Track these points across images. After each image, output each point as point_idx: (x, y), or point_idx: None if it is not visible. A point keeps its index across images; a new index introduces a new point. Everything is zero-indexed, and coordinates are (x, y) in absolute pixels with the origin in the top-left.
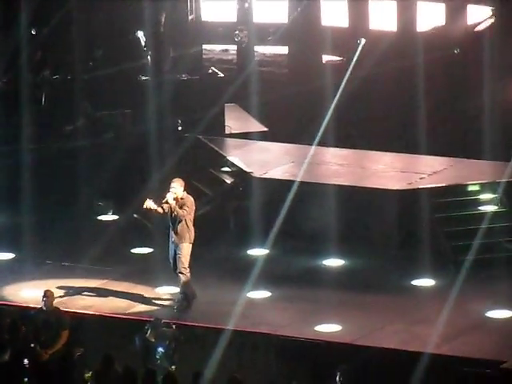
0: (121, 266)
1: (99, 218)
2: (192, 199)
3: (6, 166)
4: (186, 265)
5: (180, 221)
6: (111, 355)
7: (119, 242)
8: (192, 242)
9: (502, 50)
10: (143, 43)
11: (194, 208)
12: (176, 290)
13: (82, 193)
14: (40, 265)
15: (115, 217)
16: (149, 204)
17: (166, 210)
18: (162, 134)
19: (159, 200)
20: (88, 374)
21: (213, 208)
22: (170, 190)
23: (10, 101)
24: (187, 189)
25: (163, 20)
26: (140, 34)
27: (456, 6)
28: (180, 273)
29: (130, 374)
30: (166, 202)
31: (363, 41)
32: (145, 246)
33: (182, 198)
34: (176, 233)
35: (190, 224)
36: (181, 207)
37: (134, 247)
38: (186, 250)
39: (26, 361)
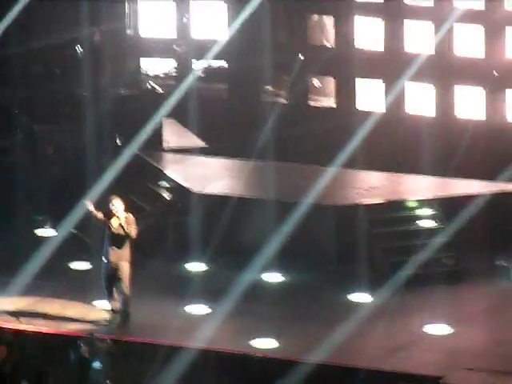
0: (58, 281)
1: (37, 232)
2: (132, 217)
3: None
4: (127, 283)
5: (125, 240)
6: (46, 371)
7: (57, 257)
8: (129, 260)
9: None
10: (81, 58)
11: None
12: (113, 304)
13: (19, 207)
14: None
15: (53, 231)
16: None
17: (104, 222)
18: (101, 149)
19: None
20: None
21: (151, 223)
22: (116, 209)
23: None
24: (126, 204)
25: (100, 35)
26: (78, 48)
27: None
28: (121, 293)
29: None
30: (118, 225)
31: (301, 57)
32: (83, 261)
33: (125, 217)
34: (117, 252)
35: (129, 243)
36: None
37: (72, 262)
38: (125, 268)
39: None
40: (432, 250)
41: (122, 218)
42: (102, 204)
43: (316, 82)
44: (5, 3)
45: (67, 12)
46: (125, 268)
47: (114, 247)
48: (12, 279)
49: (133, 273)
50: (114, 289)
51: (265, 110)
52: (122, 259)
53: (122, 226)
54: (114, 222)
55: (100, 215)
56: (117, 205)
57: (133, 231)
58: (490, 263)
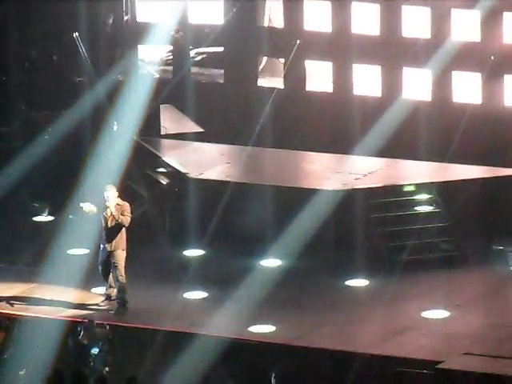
0: (56, 268)
1: (34, 219)
2: (128, 204)
3: None
4: (123, 271)
5: (119, 229)
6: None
7: (55, 244)
8: (125, 248)
9: None
10: (79, 44)
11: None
12: (111, 290)
13: (17, 194)
14: None
15: (50, 218)
16: (87, 208)
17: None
18: (98, 135)
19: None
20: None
21: (148, 209)
22: (106, 198)
23: None
24: (123, 190)
25: (99, 21)
26: (76, 34)
27: None
28: (116, 280)
29: (58, 376)
30: (110, 214)
31: (298, 42)
32: (80, 247)
33: (118, 204)
34: (111, 240)
35: (124, 232)
36: (120, 214)
37: (70, 248)
38: (120, 256)
39: None
40: (429, 235)
41: (112, 206)
42: (98, 192)
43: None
44: None
45: None
46: (120, 256)
47: (108, 235)
48: (10, 266)
49: (130, 259)
50: (110, 276)
51: (261, 96)
52: (117, 247)
53: (113, 215)
54: (106, 212)
55: (94, 210)
56: (108, 194)
57: (124, 219)
58: (488, 248)
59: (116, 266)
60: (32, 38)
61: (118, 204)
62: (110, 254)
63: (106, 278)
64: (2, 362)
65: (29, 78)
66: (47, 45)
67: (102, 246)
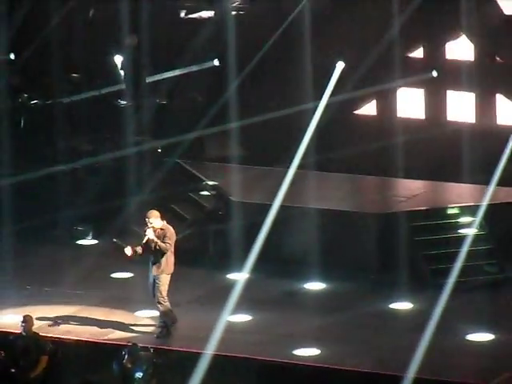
0: (100, 291)
1: (78, 242)
2: (171, 229)
3: None
4: (164, 294)
5: (162, 254)
6: (89, 379)
7: (98, 267)
8: (171, 272)
9: None
10: (120, 67)
11: (175, 237)
12: (155, 313)
13: (61, 217)
14: (19, 290)
15: (94, 241)
16: (128, 252)
17: (145, 243)
18: (142, 158)
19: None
20: None
21: (192, 232)
22: (148, 224)
23: None
24: (166, 213)
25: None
26: (117, 58)
27: None
28: (158, 303)
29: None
30: (147, 240)
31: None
32: (124, 271)
33: (161, 229)
34: (156, 264)
35: (171, 255)
36: (162, 239)
37: (114, 272)
38: (164, 280)
39: None
40: (474, 258)
41: (150, 233)
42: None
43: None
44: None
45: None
46: (164, 279)
47: (153, 260)
48: (54, 289)
49: (177, 281)
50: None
51: (304, 118)
52: (162, 271)
53: (153, 241)
54: (145, 236)
55: (140, 251)
56: (151, 219)
57: (163, 246)
58: None
59: (158, 288)
60: (75, 61)
61: (161, 229)
62: (154, 278)
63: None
64: None
65: (72, 101)
66: (89, 68)
67: (150, 267)
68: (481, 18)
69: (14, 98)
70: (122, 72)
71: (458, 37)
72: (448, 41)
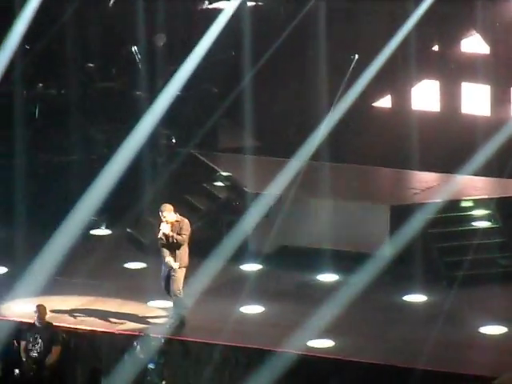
0: (114, 281)
1: (92, 232)
2: (187, 221)
3: None
4: (180, 287)
5: (178, 246)
6: (99, 368)
7: (112, 257)
8: (186, 265)
9: None
10: (138, 58)
11: (190, 229)
12: (168, 304)
13: (75, 208)
14: (33, 279)
15: (108, 231)
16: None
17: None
18: (156, 149)
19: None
20: None
21: (206, 223)
22: (162, 218)
23: (3, 115)
24: (180, 204)
25: (160, 37)
26: (134, 49)
27: None
28: (174, 295)
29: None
30: (164, 234)
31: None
32: (138, 261)
33: (176, 221)
34: (173, 257)
35: (186, 247)
36: (178, 232)
37: (128, 262)
38: (180, 273)
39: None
40: (487, 251)
41: (165, 227)
42: (157, 206)
43: None
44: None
45: (125, 10)
46: (178, 271)
47: (167, 251)
48: (67, 279)
49: (191, 271)
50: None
51: (320, 111)
52: (178, 264)
53: (169, 235)
54: (160, 231)
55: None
56: (165, 212)
57: (179, 239)
58: None
59: (173, 280)
60: (90, 51)
61: (176, 221)
62: (169, 269)
63: (169, 292)
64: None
65: (87, 91)
66: (106, 59)
67: (164, 260)
68: (494, 18)
69: (29, 88)
70: (139, 62)
71: (471, 34)
72: (462, 38)
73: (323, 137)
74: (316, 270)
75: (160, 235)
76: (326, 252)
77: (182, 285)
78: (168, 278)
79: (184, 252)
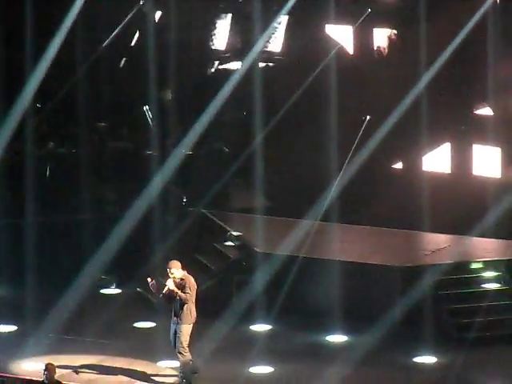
0: (123, 340)
1: (102, 291)
2: (192, 279)
3: (10, 239)
4: (185, 345)
5: (182, 303)
6: None
7: (122, 316)
8: (193, 322)
9: None
10: (149, 118)
11: (196, 287)
12: (177, 363)
13: (85, 266)
14: (42, 338)
15: (118, 290)
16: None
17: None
18: (167, 208)
19: (164, 278)
20: None
21: (216, 282)
22: (169, 274)
23: (14, 173)
24: (190, 263)
25: (168, 94)
26: (145, 108)
27: None
28: (179, 353)
29: None
30: (168, 290)
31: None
32: (148, 320)
33: (181, 279)
34: (177, 314)
35: (192, 305)
36: (182, 289)
37: (137, 321)
38: (185, 330)
39: None
40: (498, 312)
41: (170, 283)
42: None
43: None
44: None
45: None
46: (185, 329)
47: (174, 310)
48: (77, 338)
49: (200, 331)
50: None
51: (329, 171)
52: (182, 321)
53: (173, 291)
54: (166, 287)
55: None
56: (172, 269)
57: (183, 296)
58: None
59: (179, 338)
60: (102, 110)
61: (181, 279)
62: (176, 327)
63: (176, 350)
64: None
65: (98, 150)
66: (117, 118)
67: (172, 318)
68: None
69: (41, 147)
70: (150, 122)
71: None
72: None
73: (334, 198)
74: (326, 330)
75: (165, 291)
76: (335, 313)
77: (187, 342)
78: (175, 335)
79: (189, 310)
